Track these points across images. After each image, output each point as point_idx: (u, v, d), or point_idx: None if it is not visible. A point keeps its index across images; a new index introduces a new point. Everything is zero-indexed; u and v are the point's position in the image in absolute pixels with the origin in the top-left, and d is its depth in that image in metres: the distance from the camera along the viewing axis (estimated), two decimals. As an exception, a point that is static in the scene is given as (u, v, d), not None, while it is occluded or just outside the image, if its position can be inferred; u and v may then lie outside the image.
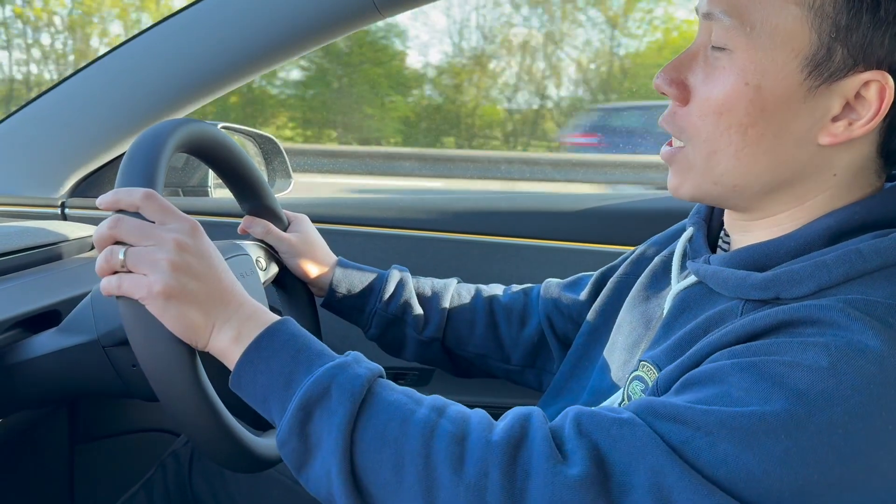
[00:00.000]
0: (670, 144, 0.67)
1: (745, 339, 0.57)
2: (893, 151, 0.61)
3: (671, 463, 0.52)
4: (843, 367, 0.51)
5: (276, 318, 0.64)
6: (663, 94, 0.64)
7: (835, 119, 0.59)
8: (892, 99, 0.57)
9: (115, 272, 0.61)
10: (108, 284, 0.61)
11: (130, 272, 0.61)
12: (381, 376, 0.61)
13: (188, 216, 0.64)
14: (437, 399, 0.60)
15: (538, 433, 0.55)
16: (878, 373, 0.51)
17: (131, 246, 0.61)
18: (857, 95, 0.58)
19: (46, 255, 0.98)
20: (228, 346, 0.62)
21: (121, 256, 0.61)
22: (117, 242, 0.62)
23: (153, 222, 0.62)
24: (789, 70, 0.58)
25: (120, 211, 0.63)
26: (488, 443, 0.55)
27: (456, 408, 0.59)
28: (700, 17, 0.63)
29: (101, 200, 0.63)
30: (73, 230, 1.06)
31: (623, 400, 0.69)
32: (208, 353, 0.63)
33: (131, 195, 0.63)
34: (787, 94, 0.58)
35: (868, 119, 0.58)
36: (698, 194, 0.65)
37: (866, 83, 0.57)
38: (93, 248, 1.06)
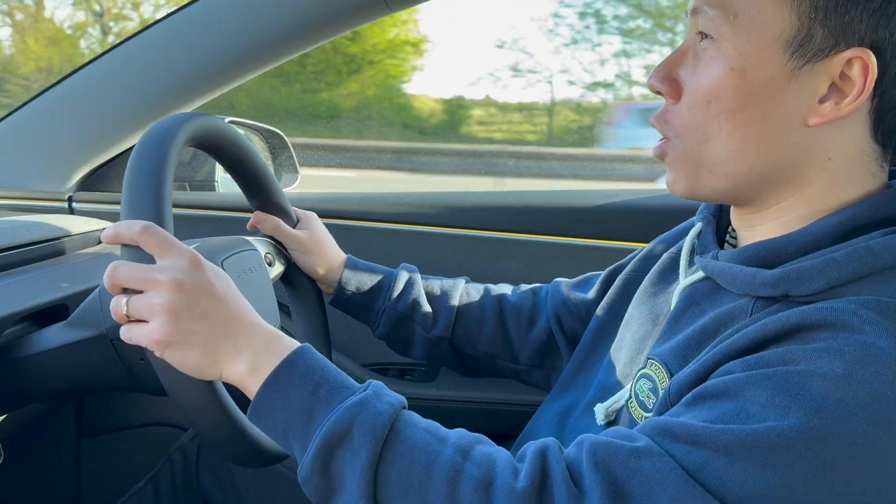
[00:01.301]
0: (662, 140, 0.66)
1: (758, 345, 0.56)
2: (887, 133, 0.61)
3: (692, 492, 0.51)
4: (859, 374, 0.50)
5: (292, 345, 0.62)
6: (657, 93, 0.65)
7: (822, 101, 0.59)
8: (875, 75, 0.57)
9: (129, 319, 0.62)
10: (123, 334, 0.62)
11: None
12: (404, 407, 0.60)
13: (187, 248, 0.63)
14: (461, 437, 0.59)
15: (557, 473, 0.55)
16: (894, 377, 0.50)
17: (134, 292, 0.61)
18: (843, 75, 0.58)
19: (53, 248, 0.98)
20: (244, 379, 0.61)
21: (124, 307, 0.61)
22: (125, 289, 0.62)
23: (153, 256, 0.62)
24: (772, 52, 0.58)
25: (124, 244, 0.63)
26: (513, 491, 0.54)
27: (481, 448, 0.58)
28: (689, 15, 0.64)
29: (104, 235, 0.64)
30: (81, 224, 1.06)
31: (630, 398, 0.68)
32: None
33: (130, 228, 0.62)
34: (772, 76, 0.59)
35: (854, 97, 0.58)
36: (695, 187, 0.65)
37: (849, 61, 0.57)
38: (100, 241, 1.06)
